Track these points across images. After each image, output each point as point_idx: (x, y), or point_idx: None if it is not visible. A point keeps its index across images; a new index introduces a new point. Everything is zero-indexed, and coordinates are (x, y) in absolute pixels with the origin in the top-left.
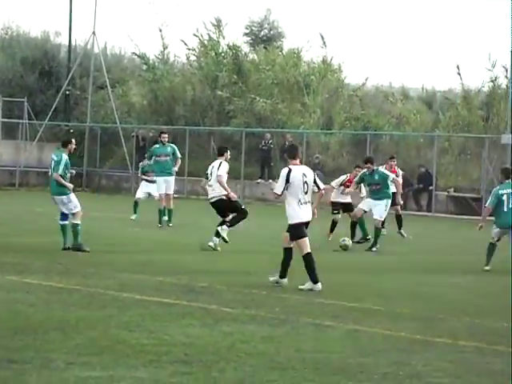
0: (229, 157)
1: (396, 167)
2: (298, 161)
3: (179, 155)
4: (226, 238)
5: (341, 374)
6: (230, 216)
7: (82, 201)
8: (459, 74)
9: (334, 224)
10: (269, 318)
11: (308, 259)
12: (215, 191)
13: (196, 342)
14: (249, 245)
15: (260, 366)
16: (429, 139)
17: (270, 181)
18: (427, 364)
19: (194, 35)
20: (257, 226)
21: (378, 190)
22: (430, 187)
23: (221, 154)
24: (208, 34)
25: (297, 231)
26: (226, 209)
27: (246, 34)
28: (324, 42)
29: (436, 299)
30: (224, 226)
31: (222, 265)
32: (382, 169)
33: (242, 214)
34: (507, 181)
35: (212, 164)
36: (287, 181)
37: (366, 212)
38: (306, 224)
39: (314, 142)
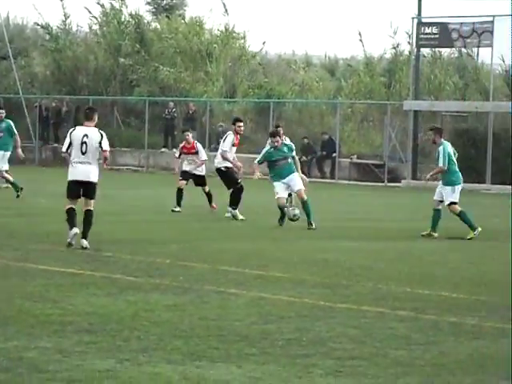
0: (238, 128)
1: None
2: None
3: (15, 131)
4: (240, 216)
5: (245, 341)
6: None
7: None
8: (361, 40)
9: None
10: (173, 287)
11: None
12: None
13: (100, 311)
14: (152, 214)
15: (164, 335)
16: (332, 106)
17: (174, 150)
18: (331, 330)
19: (97, 3)
20: (160, 195)
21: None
22: (334, 154)
23: (233, 123)
24: (110, 3)
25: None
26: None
27: (149, 3)
28: (226, 10)
29: (339, 265)
30: (229, 209)
31: (125, 234)
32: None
33: (238, 191)
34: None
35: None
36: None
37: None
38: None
39: (218, 110)
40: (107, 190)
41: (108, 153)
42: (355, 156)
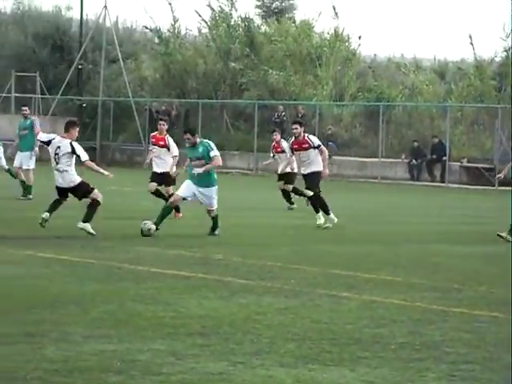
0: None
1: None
2: None
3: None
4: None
5: (357, 345)
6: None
7: (96, 175)
8: (472, 43)
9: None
10: (284, 290)
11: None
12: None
13: (212, 314)
14: (263, 218)
15: (277, 338)
16: (441, 110)
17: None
18: (443, 334)
19: (208, 6)
20: (273, 198)
21: None
22: (444, 158)
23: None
24: (220, 6)
25: None
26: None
27: (258, 6)
28: (336, 13)
29: (451, 269)
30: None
31: (236, 238)
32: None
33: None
34: None
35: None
36: None
37: None
38: None
39: (327, 113)
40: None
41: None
42: (465, 159)
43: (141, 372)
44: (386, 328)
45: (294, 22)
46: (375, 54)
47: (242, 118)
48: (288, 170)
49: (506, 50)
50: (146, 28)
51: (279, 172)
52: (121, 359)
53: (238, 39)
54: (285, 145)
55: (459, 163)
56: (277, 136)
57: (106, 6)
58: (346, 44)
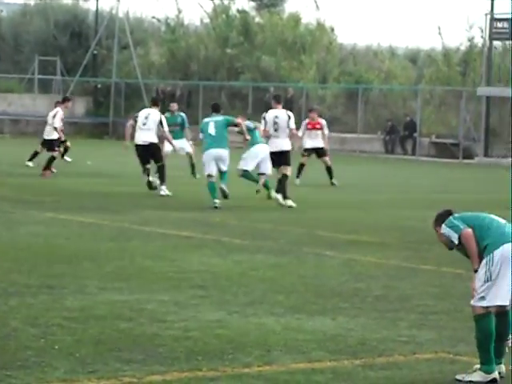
0: None
1: (319, 119)
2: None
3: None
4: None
5: (338, 297)
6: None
7: (108, 147)
8: (440, 34)
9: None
10: (275, 249)
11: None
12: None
13: (211, 269)
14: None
15: (268, 290)
16: (413, 92)
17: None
18: (414, 288)
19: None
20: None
21: None
22: (415, 134)
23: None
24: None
25: None
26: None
27: (253, 0)
28: (317, 6)
29: (422, 231)
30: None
31: (231, 201)
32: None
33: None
34: None
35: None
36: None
37: None
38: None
39: (313, 94)
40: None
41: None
42: (434, 136)
43: (148, 319)
44: (363, 283)
45: (279, 14)
46: (355, 43)
47: (238, 99)
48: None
49: (469, 40)
50: (154, 18)
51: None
52: (130, 308)
53: (234, 28)
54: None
55: (428, 139)
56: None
57: None
58: (326, 33)
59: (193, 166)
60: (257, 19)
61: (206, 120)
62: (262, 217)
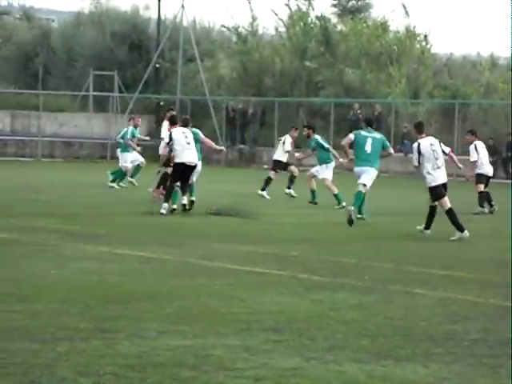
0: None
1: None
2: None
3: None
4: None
5: (430, 341)
6: None
7: None
8: None
9: None
10: (358, 286)
11: (450, 213)
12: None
13: (286, 310)
14: (338, 215)
15: (350, 334)
16: None
17: None
18: None
19: (285, 5)
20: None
21: None
22: None
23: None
24: (297, 5)
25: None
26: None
27: (334, 6)
28: (406, 12)
29: None
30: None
31: (310, 234)
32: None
33: None
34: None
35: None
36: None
37: None
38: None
39: (402, 111)
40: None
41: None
42: None
43: (214, 367)
44: (459, 324)
45: (365, 21)
46: (451, 53)
47: (318, 117)
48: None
49: None
50: (224, 27)
51: None
52: (194, 354)
53: (314, 38)
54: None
55: None
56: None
57: (183, 6)
58: (418, 42)
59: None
60: (339, 27)
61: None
62: (344, 250)
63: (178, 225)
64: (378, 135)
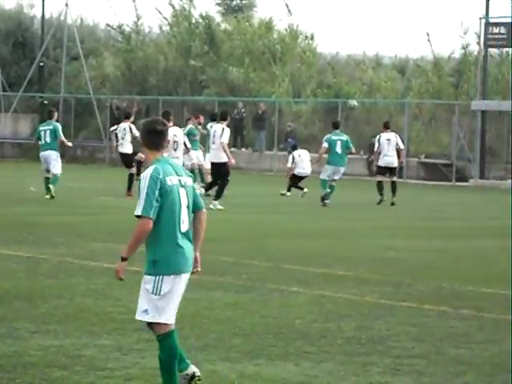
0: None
1: None
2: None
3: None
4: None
5: (304, 339)
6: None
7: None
8: (429, 40)
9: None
10: (235, 285)
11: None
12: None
13: None
14: (221, 213)
15: (224, 333)
16: (400, 106)
17: (243, 149)
18: (391, 328)
19: (169, 4)
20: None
21: None
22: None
23: (223, 118)
24: (179, 4)
25: None
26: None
27: (219, 4)
28: (289, 11)
29: (403, 264)
30: (215, 203)
31: None
32: None
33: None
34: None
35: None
36: None
37: None
38: None
39: (286, 110)
40: None
41: None
42: (423, 155)
43: (85, 367)
44: (333, 323)
45: (248, 20)
46: (337, 52)
47: (203, 115)
48: None
49: (463, 48)
50: (109, 26)
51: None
52: (66, 354)
53: (198, 37)
54: None
55: (417, 159)
56: None
57: (67, 4)
58: (300, 41)
59: None
60: (223, 26)
61: None
62: (225, 248)
63: (61, 223)
64: (344, 137)
